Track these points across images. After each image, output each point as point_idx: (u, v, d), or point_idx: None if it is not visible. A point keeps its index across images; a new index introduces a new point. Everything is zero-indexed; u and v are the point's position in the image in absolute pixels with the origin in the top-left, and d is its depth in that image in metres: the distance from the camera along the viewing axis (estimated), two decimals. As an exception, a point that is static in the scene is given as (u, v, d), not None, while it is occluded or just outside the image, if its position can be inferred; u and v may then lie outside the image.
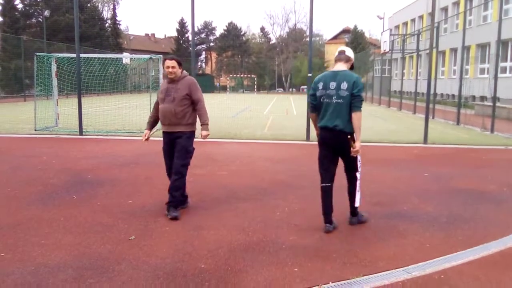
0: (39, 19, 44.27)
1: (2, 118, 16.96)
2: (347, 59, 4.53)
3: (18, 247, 3.96)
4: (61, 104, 14.56)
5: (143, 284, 3.28)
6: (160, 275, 3.43)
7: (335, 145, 4.47)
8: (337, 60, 4.57)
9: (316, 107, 4.57)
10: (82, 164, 7.84)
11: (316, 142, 4.71)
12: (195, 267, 3.59)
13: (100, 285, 3.25)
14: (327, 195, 4.56)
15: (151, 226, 4.59)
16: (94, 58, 15.29)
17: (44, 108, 13.97)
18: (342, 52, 4.59)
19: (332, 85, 4.37)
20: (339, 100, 4.32)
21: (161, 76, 14.02)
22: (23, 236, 4.24)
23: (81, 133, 11.91)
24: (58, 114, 13.76)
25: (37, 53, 13.93)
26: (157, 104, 5.20)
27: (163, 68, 5.04)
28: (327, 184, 4.57)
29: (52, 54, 14.18)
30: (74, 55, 12.62)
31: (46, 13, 39.42)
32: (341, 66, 4.49)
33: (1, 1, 39.31)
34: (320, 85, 4.47)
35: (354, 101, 4.28)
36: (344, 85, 4.31)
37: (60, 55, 14.48)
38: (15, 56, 32.70)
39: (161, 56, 14.10)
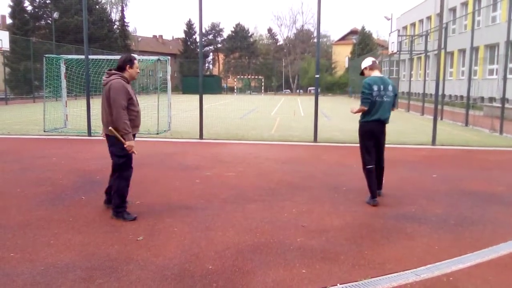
0: (48, 21, 44.56)
1: (11, 119, 17.12)
2: (379, 68, 5.88)
3: (27, 247, 3.99)
4: (70, 105, 14.67)
5: (151, 285, 3.30)
6: (167, 276, 3.44)
7: (381, 133, 5.73)
8: (374, 68, 5.74)
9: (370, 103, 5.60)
10: (90, 165, 7.89)
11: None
12: (202, 268, 3.60)
13: (108, 285, 3.27)
14: (372, 174, 5.62)
15: (159, 226, 4.60)
16: (103, 59, 15.36)
17: (53, 110, 14.10)
18: (375, 62, 5.81)
19: (381, 87, 5.54)
20: (388, 99, 5.58)
21: (168, 77, 14.10)
22: (33, 236, 4.28)
23: (89, 134, 11.99)
24: (67, 115, 13.87)
25: (46, 55, 14.04)
26: (125, 108, 4.69)
27: (132, 68, 4.82)
28: (372, 166, 5.65)
29: (61, 55, 14.28)
30: (82, 56, 12.71)
31: (55, 15, 39.74)
32: (379, 73, 5.73)
33: (11, 3, 39.66)
34: (375, 87, 5.51)
35: (395, 101, 5.75)
36: (390, 88, 5.60)
37: (69, 56, 14.59)
38: (25, 57, 32.98)
39: (169, 57, 14.20)
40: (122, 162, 4.85)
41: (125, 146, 4.71)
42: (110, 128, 4.68)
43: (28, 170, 7.40)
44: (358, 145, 5.79)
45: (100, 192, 5.97)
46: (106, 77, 4.81)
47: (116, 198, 4.87)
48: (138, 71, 4.87)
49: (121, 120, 4.61)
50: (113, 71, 4.83)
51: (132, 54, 5.05)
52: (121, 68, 4.82)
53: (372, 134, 5.65)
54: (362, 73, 5.90)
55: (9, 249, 3.93)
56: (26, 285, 3.26)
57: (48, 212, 5.04)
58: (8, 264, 3.63)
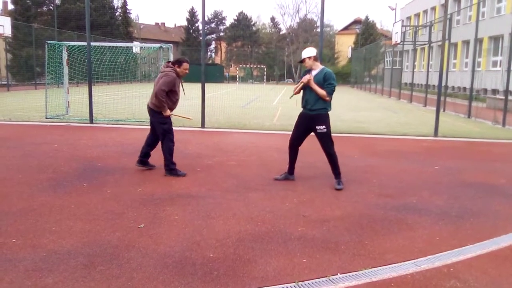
0: (50, 7, 44.29)
1: (13, 105, 17.11)
2: None
3: (29, 233, 4.01)
4: (72, 92, 14.63)
5: (152, 272, 3.31)
6: (169, 263, 3.46)
7: None
8: (317, 60, 5.89)
9: None
10: (92, 152, 7.89)
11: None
12: (203, 256, 3.61)
13: (110, 272, 3.29)
14: None
15: (160, 214, 4.61)
16: (105, 46, 15.29)
17: (54, 96, 14.06)
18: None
19: None
20: None
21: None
22: (35, 222, 4.29)
23: (91, 121, 11.98)
24: (68, 102, 13.84)
25: (48, 41, 13.97)
26: (164, 92, 6.11)
27: (183, 70, 6.18)
28: None
29: (63, 42, 14.21)
30: (84, 43, 12.66)
31: (57, 1, 39.50)
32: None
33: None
34: None
35: None
36: None
37: (71, 43, 14.50)
38: (26, 44, 32.82)
39: (171, 45, 14.12)
40: (166, 128, 6.24)
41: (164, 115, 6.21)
42: (171, 113, 6.32)
43: (30, 156, 7.41)
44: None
45: (101, 179, 5.99)
46: (164, 67, 6.24)
47: (167, 156, 6.21)
48: (185, 71, 6.17)
49: (159, 99, 6.08)
50: (170, 64, 6.21)
51: (185, 58, 6.38)
52: (173, 64, 6.20)
53: None
54: (302, 61, 5.87)
55: (11, 235, 3.95)
56: (28, 271, 3.28)
57: (50, 199, 5.06)
58: (10, 250, 3.64)
